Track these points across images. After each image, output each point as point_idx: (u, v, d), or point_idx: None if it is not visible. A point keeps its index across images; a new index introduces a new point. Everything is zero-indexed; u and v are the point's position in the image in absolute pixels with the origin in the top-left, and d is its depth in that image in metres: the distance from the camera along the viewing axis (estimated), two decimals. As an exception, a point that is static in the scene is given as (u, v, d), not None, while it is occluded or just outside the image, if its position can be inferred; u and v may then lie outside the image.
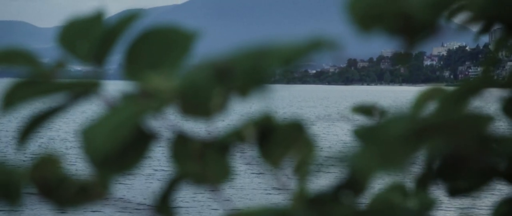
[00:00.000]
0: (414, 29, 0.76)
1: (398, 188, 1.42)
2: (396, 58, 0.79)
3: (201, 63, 0.74)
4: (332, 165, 0.71)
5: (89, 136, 1.02)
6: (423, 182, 1.29)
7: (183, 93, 0.78)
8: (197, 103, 0.96)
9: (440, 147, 0.68)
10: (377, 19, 0.77)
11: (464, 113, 0.74)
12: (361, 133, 0.72)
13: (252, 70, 0.73)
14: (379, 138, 0.68)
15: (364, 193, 1.09)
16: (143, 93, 0.99)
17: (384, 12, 0.76)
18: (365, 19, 0.77)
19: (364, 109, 1.43)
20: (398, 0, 0.74)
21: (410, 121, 0.68)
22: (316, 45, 0.76)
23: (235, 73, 0.74)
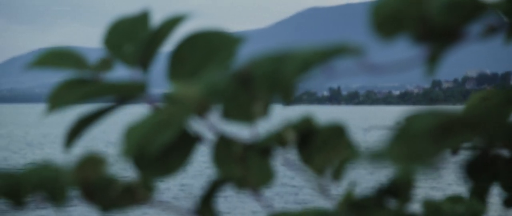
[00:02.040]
0: (435, 34, 0.75)
1: (451, 198, 1.42)
2: (425, 65, 0.79)
3: (223, 70, 0.75)
4: (363, 164, 0.71)
5: (132, 138, 1.04)
6: (479, 191, 1.28)
7: (205, 99, 0.79)
8: (225, 108, 0.97)
9: (470, 142, 0.68)
10: (399, 24, 0.76)
11: (492, 108, 0.73)
12: (392, 131, 0.72)
13: (271, 75, 0.73)
14: (405, 134, 0.68)
15: (408, 199, 1.09)
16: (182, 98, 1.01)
17: (406, 17, 0.76)
18: (388, 24, 0.76)
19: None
20: (419, 4, 0.74)
21: (436, 116, 0.67)
22: (338, 51, 0.76)
23: (255, 78, 0.74)
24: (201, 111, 1.05)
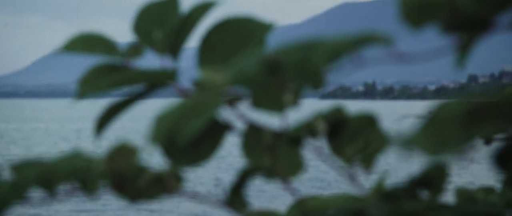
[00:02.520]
0: (465, 23, 0.74)
1: (484, 188, 1.40)
2: (455, 55, 0.77)
3: (251, 57, 0.74)
4: (394, 151, 0.70)
5: (161, 125, 1.04)
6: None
7: (234, 86, 0.78)
8: (253, 96, 0.97)
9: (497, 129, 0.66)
10: (429, 13, 0.75)
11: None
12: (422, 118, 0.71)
13: (300, 63, 0.72)
14: (434, 122, 0.66)
15: (441, 191, 1.08)
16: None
17: (436, 6, 0.74)
18: (417, 13, 0.75)
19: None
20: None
21: (466, 103, 0.66)
22: (367, 39, 0.75)
23: (283, 66, 0.73)
24: (231, 98, 1.05)
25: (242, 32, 1.10)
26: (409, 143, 0.67)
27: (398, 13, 0.76)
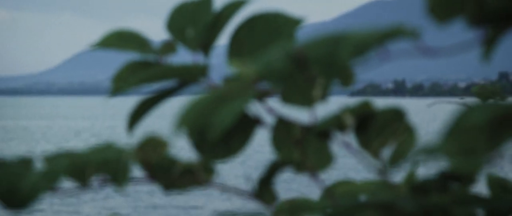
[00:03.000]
0: (491, 17, 0.75)
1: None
2: (481, 49, 0.78)
3: (278, 51, 0.76)
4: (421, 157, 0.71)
5: (188, 115, 1.06)
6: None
7: (260, 80, 0.79)
8: (280, 89, 0.98)
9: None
10: (455, 7, 0.76)
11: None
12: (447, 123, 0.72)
13: (326, 57, 0.73)
14: (459, 129, 0.67)
15: (473, 182, 1.08)
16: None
17: (462, 0, 0.75)
18: (443, 7, 0.76)
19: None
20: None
21: (491, 110, 0.67)
22: (393, 33, 0.75)
23: (309, 60, 0.75)
24: (260, 93, 1.06)
25: (271, 28, 1.12)
26: (435, 151, 0.68)
27: (424, 8, 0.77)
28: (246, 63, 0.80)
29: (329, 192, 1.08)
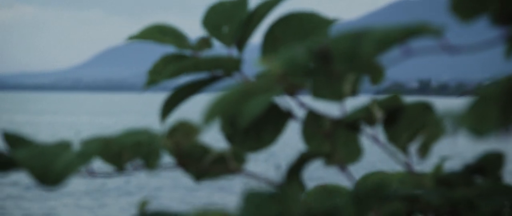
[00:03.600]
0: None
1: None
2: (506, 47, 0.79)
3: (302, 46, 0.78)
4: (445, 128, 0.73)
5: (215, 106, 1.09)
6: None
7: (285, 74, 0.82)
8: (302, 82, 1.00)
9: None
10: (479, 4, 0.77)
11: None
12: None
13: (350, 53, 0.75)
14: (479, 100, 0.69)
15: (498, 177, 1.10)
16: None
17: None
18: (467, 5, 0.77)
19: None
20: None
21: (506, 81, 0.68)
22: (416, 30, 0.77)
23: (333, 54, 0.76)
24: (288, 87, 1.09)
25: (305, 26, 1.15)
26: (456, 120, 0.70)
27: (448, 6, 0.79)
28: (273, 59, 0.82)
29: (364, 179, 1.10)
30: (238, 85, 0.85)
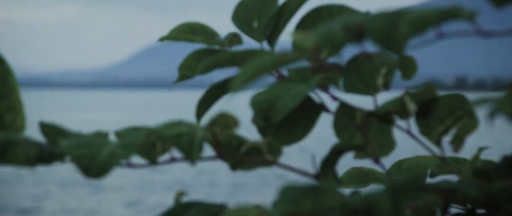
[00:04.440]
0: None
1: None
2: None
3: (338, 22, 0.78)
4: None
5: (258, 104, 1.09)
6: None
7: (318, 49, 0.82)
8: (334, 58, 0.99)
9: None
10: None
11: None
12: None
13: (383, 29, 0.75)
14: None
15: None
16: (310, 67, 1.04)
17: None
18: None
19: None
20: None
21: None
22: (450, 14, 0.76)
23: (366, 34, 0.76)
24: (323, 80, 1.09)
25: (336, 18, 1.15)
26: (494, 106, 0.70)
27: None
28: (307, 33, 0.82)
29: (398, 164, 1.10)
30: (269, 55, 0.85)
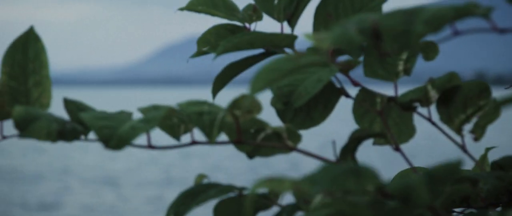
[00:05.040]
0: None
1: None
2: None
3: (353, 22, 0.77)
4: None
5: (279, 88, 1.08)
6: None
7: (334, 48, 0.81)
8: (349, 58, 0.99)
9: None
10: None
11: None
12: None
13: (397, 28, 0.74)
14: None
15: None
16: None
17: None
18: None
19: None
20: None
21: None
22: (465, 11, 0.76)
23: (381, 32, 0.76)
24: (343, 66, 1.08)
25: (357, 1, 1.14)
26: None
27: None
28: (322, 35, 0.81)
29: (411, 166, 1.08)
30: (290, 56, 0.84)
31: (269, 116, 1.06)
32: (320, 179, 0.75)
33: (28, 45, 0.99)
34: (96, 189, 16.16)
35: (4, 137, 0.98)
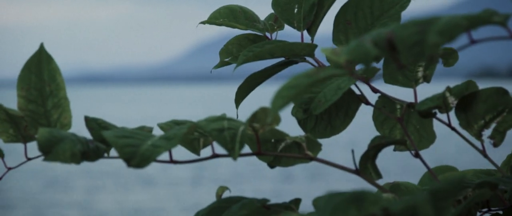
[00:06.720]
0: None
1: None
2: None
3: (368, 36, 0.77)
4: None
5: (286, 94, 1.09)
6: None
7: (350, 61, 0.82)
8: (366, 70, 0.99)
9: None
10: None
11: None
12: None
13: (413, 42, 0.74)
14: None
15: None
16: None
17: None
18: None
19: None
20: None
21: None
22: (480, 20, 0.76)
23: (396, 44, 0.76)
24: (363, 74, 1.09)
25: (377, 9, 1.14)
26: None
27: None
28: (339, 50, 0.82)
29: (432, 173, 1.09)
30: (309, 72, 0.85)
31: (290, 125, 1.08)
32: (324, 210, 0.75)
33: (42, 67, 0.99)
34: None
35: (29, 159, 0.99)
